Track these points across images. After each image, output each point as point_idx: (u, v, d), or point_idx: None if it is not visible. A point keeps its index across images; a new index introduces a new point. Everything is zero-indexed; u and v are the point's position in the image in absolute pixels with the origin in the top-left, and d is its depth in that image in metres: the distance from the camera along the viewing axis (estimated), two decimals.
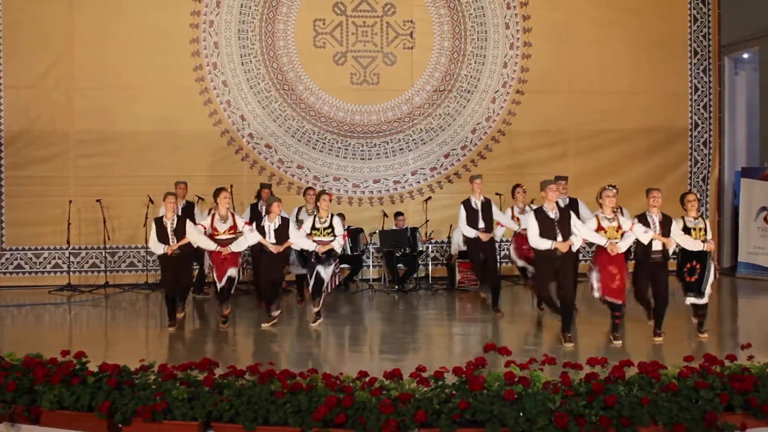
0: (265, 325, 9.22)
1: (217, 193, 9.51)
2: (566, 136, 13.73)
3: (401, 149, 13.55)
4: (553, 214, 8.21)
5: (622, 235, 8.38)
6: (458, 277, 12.09)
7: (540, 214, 8.22)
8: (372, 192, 13.31)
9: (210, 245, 9.22)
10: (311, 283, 9.28)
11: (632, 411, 5.40)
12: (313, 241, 9.25)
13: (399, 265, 12.28)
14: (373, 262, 12.96)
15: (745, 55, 14.23)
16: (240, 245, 9.29)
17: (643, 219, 8.58)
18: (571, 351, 7.91)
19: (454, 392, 5.55)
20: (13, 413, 5.94)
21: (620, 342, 8.20)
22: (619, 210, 9.22)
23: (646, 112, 13.80)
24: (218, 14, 13.10)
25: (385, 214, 12.99)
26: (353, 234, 11.90)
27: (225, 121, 13.15)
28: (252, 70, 13.20)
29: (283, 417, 5.48)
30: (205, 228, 9.32)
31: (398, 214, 12.64)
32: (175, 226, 9.14)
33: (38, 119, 12.65)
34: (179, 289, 9.42)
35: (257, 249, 9.81)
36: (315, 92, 13.33)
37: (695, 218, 9.00)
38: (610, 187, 8.46)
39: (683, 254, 8.93)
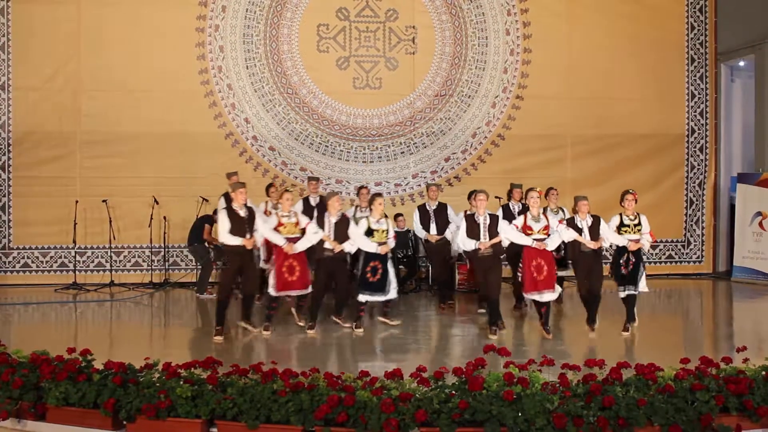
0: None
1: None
2: (564, 141, 13.84)
3: (402, 152, 13.66)
4: (242, 212, 8.79)
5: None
6: (458, 278, 12.16)
7: (231, 211, 8.80)
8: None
9: (527, 241, 8.99)
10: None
11: (629, 412, 5.42)
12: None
13: (399, 266, 12.33)
14: None
15: (741, 63, 14.31)
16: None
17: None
18: (568, 352, 8.01)
19: (453, 392, 5.58)
20: (19, 409, 5.98)
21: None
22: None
23: (643, 117, 13.91)
24: (224, 18, 13.22)
25: (385, 216, 13.03)
26: None
27: (230, 123, 13.25)
28: (256, 74, 13.31)
29: (285, 415, 5.51)
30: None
31: (398, 215, 12.68)
32: (488, 222, 9.02)
33: (46, 120, 12.74)
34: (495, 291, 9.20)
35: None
36: (318, 96, 13.44)
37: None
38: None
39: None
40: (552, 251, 8.93)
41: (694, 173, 14.25)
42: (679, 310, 11.94)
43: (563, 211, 10.37)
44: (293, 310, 9.71)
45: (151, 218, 12.63)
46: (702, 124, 14.25)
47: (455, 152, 13.74)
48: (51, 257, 12.87)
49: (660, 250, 14.18)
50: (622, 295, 8.97)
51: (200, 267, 11.99)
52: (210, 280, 12.04)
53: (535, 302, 8.93)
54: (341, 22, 13.50)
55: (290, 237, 8.95)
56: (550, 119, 13.75)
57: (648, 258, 14.04)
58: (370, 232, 9.17)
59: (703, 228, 14.30)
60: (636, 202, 8.96)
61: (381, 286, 9.16)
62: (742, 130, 14.54)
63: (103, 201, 12.59)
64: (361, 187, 11.43)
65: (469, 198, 9.58)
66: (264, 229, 8.93)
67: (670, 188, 14.15)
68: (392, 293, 9.29)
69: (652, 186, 13.99)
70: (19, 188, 12.76)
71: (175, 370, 5.95)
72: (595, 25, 13.87)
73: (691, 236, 14.27)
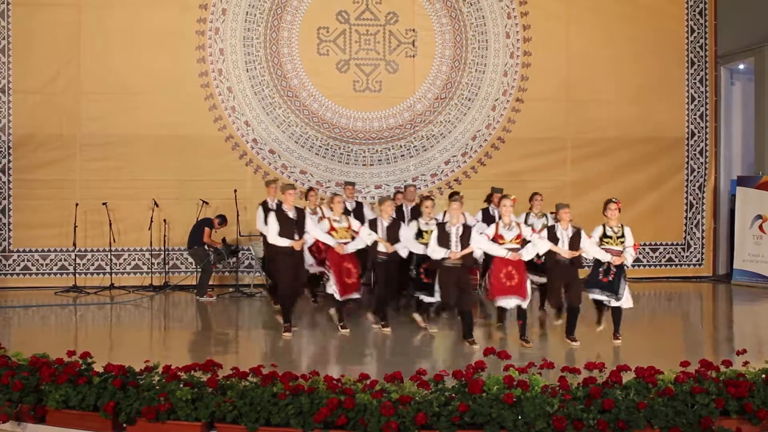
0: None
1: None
2: (564, 144, 13.84)
3: (402, 155, 13.67)
4: (291, 214, 8.93)
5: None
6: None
7: (280, 213, 9.00)
8: (374, 197, 13.37)
9: (501, 252, 8.49)
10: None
11: (629, 415, 5.43)
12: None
13: None
14: None
15: (741, 66, 14.33)
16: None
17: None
18: (568, 355, 8.00)
19: (453, 395, 5.59)
20: (19, 412, 5.98)
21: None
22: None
23: (643, 120, 13.91)
24: (224, 22, 13.23)
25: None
26: None
27: (230, 126, 13.26)
28: (256, 77, 13.33)
29: (285, 418, 5.51)
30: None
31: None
32: (460, 232, 8.51)
33: (46, 123, 12.75)
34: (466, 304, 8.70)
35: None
36: (318, 99, 13.46)
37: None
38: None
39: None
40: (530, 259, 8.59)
41: (694, 176, 14.26)
42: (679, 313, 11.94)
43: (547, 216, 10.01)
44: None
45: (151, 221, 12.63)
46: (702, 127, 14.26)
47: (455, 155, 13.75)
48: (51, 260, 12.87)
49: (660, 253, 14.18)
50: (593, 297, 8.61)
51: (200, 270, 11.98)
52: (210, 283, 12.05)
53: (502, 309, 8.71)
54: (341, 25, 13.51)
55: (341, 242, 9.06)
56: (550, 122, 13.75)
57: (648, 261, 14.08)
58: (419, 234, 9.04)
59: (703, 231, 14.30)
60: (620, 211, 8.58)
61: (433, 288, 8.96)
62: (742, 133, 14.55)
63: (103, 204, 12.58)
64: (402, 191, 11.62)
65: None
66: (315, 231, 9.07)
67: (670, 191, 14.15)
68: (437, 296, 9.00)
69: (652, 189, 14.00)
70: (19, 191, 12.77)
71: (175, 373, 5.94)
72: (595, 27, 13.88)
73: (691, 239, 14.27)
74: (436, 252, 8.46)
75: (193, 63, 13.15)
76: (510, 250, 8.36)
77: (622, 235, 8.51)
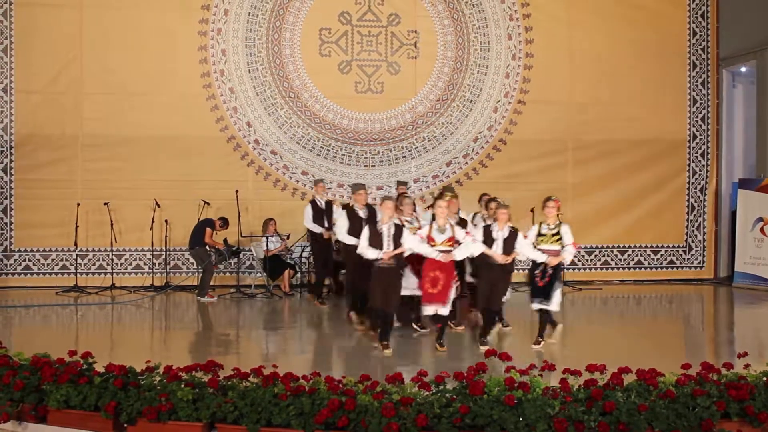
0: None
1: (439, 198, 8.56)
2: (566, 146, 13.85)
3: (404, 157, 13.68)
4: (362, 213, 9.25)
5: None
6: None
7: (350, 213, 9.21)
8: (375, 199, 13.30)
9: (432, 253, 8.19)
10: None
11: (630, 417, 5.42)
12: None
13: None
14: None
15: (743, 69, 14.32)
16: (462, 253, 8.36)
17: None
18: (570, 357, 7.99)
19: (454, 397, 5.59)
20: (20, 412, 5.98)
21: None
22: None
23: (645, 123, 13.91)
24: (226, 22, 13.24)
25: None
26: None
27: (231, 127, 13.27)
28: (258, 78, 13.34)
29: (286, 419, 5.51)
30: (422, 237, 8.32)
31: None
32: (393, 232, 8.18)
33: (48, 123, 12.77)
34: (391, 306, 8.33)
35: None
36: (320, 100, 13.46)
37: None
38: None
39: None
40: (455, 264, 8.39)
41: (696, 179, 14.25)
42: (680, 316, 11.94)
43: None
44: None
45: (153, 221, 12.64)
46: (703, 130, 14.26)
47: (457, 157, 13.75)
48: (52, 260, 12.88)
49: (661, 255, 14.18)
50: (535, 307, 8.44)
51: (201, 270, 11.99)
52: (211, 283, 12.06)
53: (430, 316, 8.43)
54: (343, 27, 13.52)
55: None
56: (551, 124, 13.76)
57: (649, 264, 14.08)
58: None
59: (704, 233, 14.30)
60: (558, 210, 8.37)
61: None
62: (744, 136, 14.54)
63: (105, 204, 12.60)
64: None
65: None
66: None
67: (671, 194, 14.15)
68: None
69: (653, 191, 14.01)
70: (21, 191, 12.78)
71: (176, 373, 5.93)
72: (597, 30, 13.90)
73: (693, 242, 14.27)
74: (368, 253, 8.18)
75: (195, 64, 13.16)
76: (442, 252, 8.12)
77: (558, 233, 8.30)
